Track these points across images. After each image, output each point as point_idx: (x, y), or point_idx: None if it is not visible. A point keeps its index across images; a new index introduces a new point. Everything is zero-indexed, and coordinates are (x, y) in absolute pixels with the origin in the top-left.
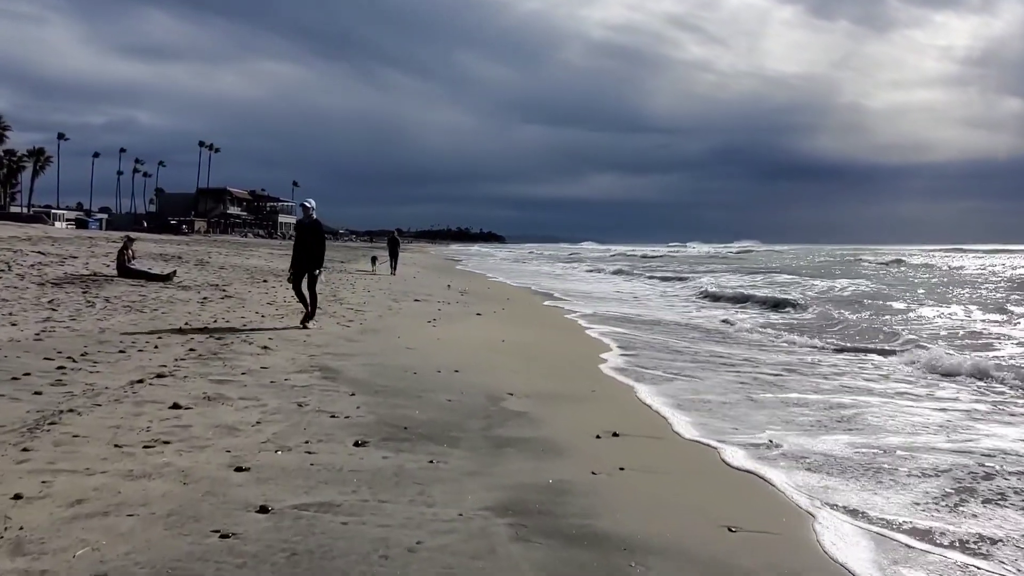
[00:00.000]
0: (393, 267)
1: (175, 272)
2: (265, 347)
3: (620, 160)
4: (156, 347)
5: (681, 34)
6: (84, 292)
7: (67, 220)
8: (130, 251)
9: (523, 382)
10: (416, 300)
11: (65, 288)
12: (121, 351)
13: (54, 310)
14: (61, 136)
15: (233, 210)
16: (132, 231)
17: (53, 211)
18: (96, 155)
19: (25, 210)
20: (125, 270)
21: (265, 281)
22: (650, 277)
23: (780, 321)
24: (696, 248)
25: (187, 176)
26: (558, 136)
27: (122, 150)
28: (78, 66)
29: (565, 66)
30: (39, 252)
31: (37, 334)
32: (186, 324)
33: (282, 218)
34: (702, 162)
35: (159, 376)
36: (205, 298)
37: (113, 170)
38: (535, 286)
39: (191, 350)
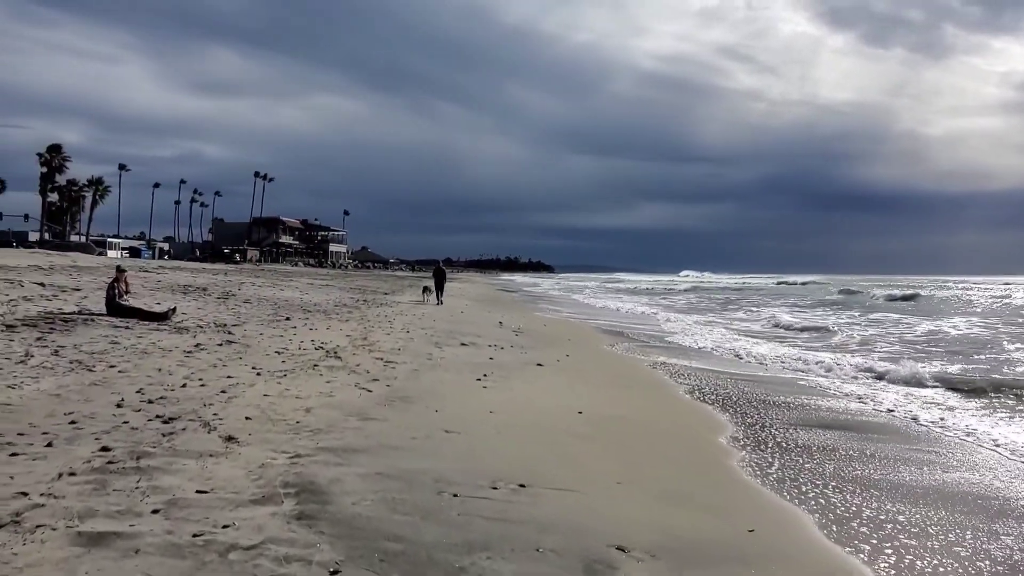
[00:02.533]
0: (439, 298)
1: (174, 309)
2: (231, 437)
3: (669, 190)
4: (50, 444)
5: (731, 64)
6: (38, 339)
7: (122, 249)
8: (122, 284)
9: (635, 511)
10: (463, 344)
11: (18, 332)
12: None
13: None
14: (123, 167)
15: (285, 239)
16: (188, 260)
17: (108, 240)
18: (156, 185)
19: (82, 238)
20: (114, 307)
21: (287, 319)
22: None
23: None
24: (712, 278)
25: (244, 206)
26: (607, 166)
27: (182, 181)
28: (149, 102)
29: (615, 97)
30: (39, 284)
31: None
32: (139, 391)
33: (333, 247)
34: (752, 191)
35: None
36: (198, 344)
37: (175, 200)
38: (596, 323)
39: (103, 450)
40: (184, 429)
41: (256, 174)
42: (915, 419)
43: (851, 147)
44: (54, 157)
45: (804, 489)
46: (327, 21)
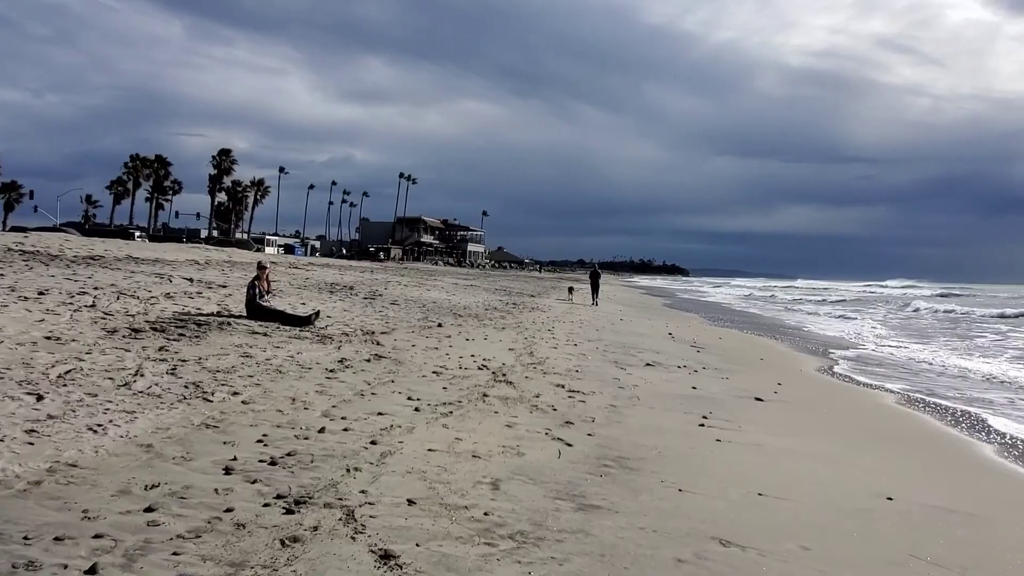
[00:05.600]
0: (595, 300)
1: (317, 313)
2: (387, 554)
3: (815, 192)
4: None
5: (891, 56)
6: (160, 348)
7: (278, 246)
8: (263, 282)
9: None
10: (647, 364)
11: (141, 339)
12: None
13: (39, 398)
14: (282, 170)
15: (426, 238)
16: (335, 257)
17: (267, 237)
18: (311, 187)
19: (244, 235)
20: (254, 308)
21: (439, 325)
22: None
23: None
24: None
25: (389, 206)
26: (749, 168)
27: (334, 183)
28: (308, 111)
29: (759, 96)
30: (187, 279)
31: None
32: (260, 440)
33: (471, 247)
34: (912, 194)
35: None
36: (342, 359)
37: (327, 201)
38: (773, 336)
39: None
40: (316, 529)
41: (401, 175)
42: None
43: None
44: (223, 160)
45: None
46: (470, 28)
